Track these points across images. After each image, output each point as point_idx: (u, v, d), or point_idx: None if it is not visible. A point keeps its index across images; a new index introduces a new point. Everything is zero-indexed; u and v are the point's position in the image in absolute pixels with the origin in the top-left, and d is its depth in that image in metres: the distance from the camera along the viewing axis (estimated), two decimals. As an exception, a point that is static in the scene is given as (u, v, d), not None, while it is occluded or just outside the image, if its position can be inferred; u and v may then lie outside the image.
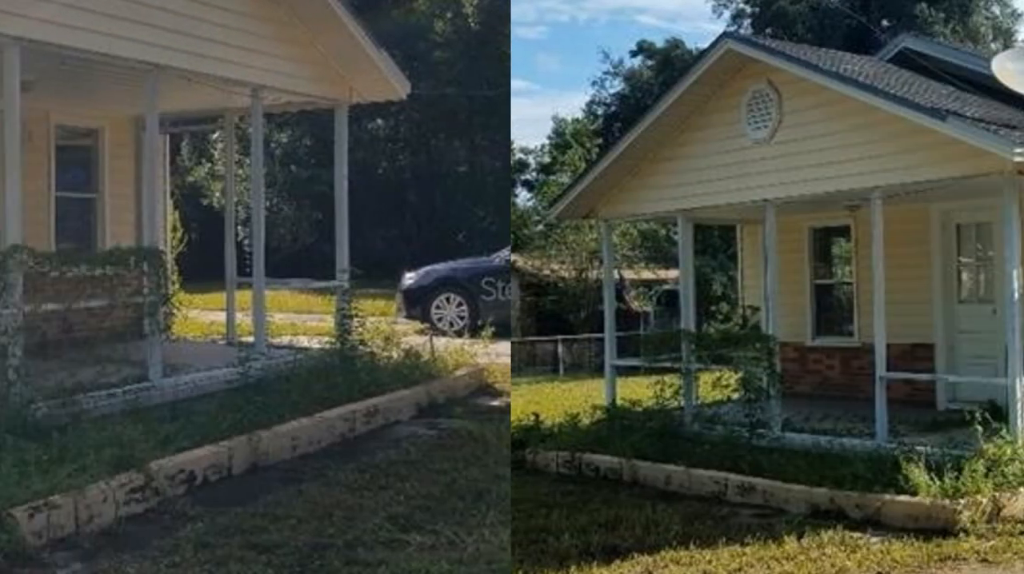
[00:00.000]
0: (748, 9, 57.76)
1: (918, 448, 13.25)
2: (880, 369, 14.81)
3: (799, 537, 11.53)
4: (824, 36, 46.28)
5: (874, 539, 11.56)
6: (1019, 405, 13.31)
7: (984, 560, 10.74)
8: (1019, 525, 11.72)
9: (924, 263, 17.92)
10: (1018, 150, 12.94)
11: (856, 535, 11.66)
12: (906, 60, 18.24)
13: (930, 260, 17.92)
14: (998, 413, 13.47)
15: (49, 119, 18.49)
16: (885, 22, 49.89)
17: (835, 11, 48.93)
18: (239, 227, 22.04)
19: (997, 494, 12.03)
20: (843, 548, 11.21)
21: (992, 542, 11.21)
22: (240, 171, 26.01)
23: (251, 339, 17.63)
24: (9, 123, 13.10)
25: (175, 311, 18.12)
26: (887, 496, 12.29)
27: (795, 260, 20.00)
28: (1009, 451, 12.66)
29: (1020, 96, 14.91)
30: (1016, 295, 13.54)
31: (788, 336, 18.65)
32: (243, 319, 19.32)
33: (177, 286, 21.25)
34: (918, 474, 12.28)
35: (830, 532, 11.65)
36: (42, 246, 15.91)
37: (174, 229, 22.81)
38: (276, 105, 18.93)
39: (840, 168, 15.28)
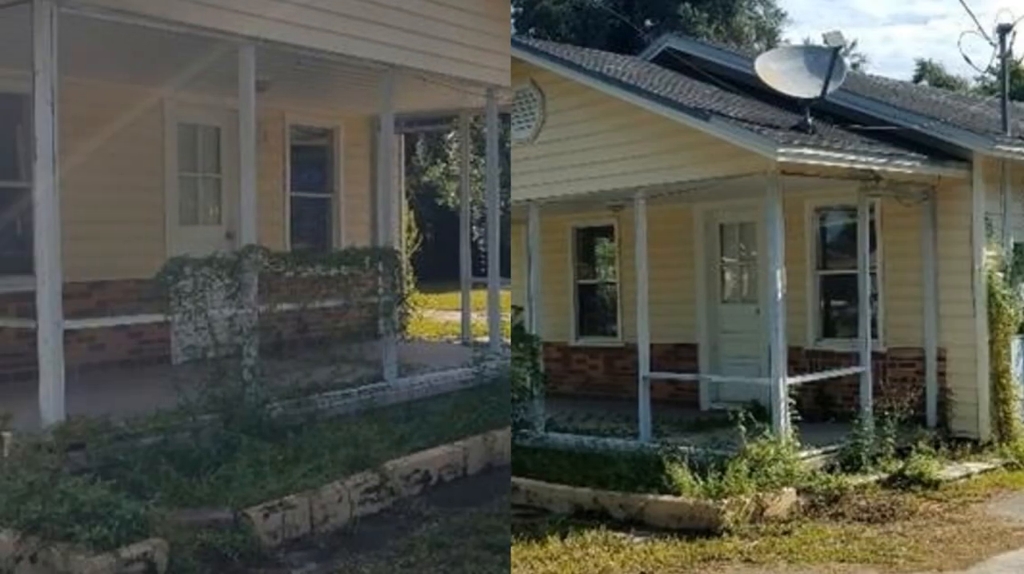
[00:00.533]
0: (512, 9, 57.98)
1: (681, 448, 13.27)
2: (643, 369, 14.81)
3: (562, 537, 11.47)
4: (588, 36, 46.58)
5: (637, 539, 11.53)
6: (782, 405, 13.36)
7: (748, 560, 10.76)
8: (782, 525, 11.79)
9: (687, 263, 18.06)
10: (781, 150, 13.04)
11: (620, 535, 11.63)
12: (670, 60, 18.29)
13: (693, 260, 18.07)
14: (761, 413, 13.53)
15: (284, 119, 18.78)
16: (649, 22, 50.40)
17: (599, 11, 49.25)
18: (474, 227, 21.84)
19: (760, 494, 12.08)
20: (606, 548, 11.17)
21: (756, 542, 11.25)
22: (475, 171, 25.86)
23: (486, 339, 18.05)
24: (244, 123, 13.23)
25: (410, 311, 17.82)
26: (650, 496, 12.27)
27: (559, 260, 20.00)
28: (772, 451, 12.71)
29: (783, 96, 15.01)
30: (779, 295, 13.59)
31: (552, 336, 18.63)
32: (478, 319, 19.62)
33: (412, 286, 21.39)
34: (681, 474, 12.26)
35: (593, 532, 11.61)
36: (277, 246, 16.16)
37: (409, 229, 23.04)
38: (511, 105, 18.48)
39: (604, 168, 15.25)
